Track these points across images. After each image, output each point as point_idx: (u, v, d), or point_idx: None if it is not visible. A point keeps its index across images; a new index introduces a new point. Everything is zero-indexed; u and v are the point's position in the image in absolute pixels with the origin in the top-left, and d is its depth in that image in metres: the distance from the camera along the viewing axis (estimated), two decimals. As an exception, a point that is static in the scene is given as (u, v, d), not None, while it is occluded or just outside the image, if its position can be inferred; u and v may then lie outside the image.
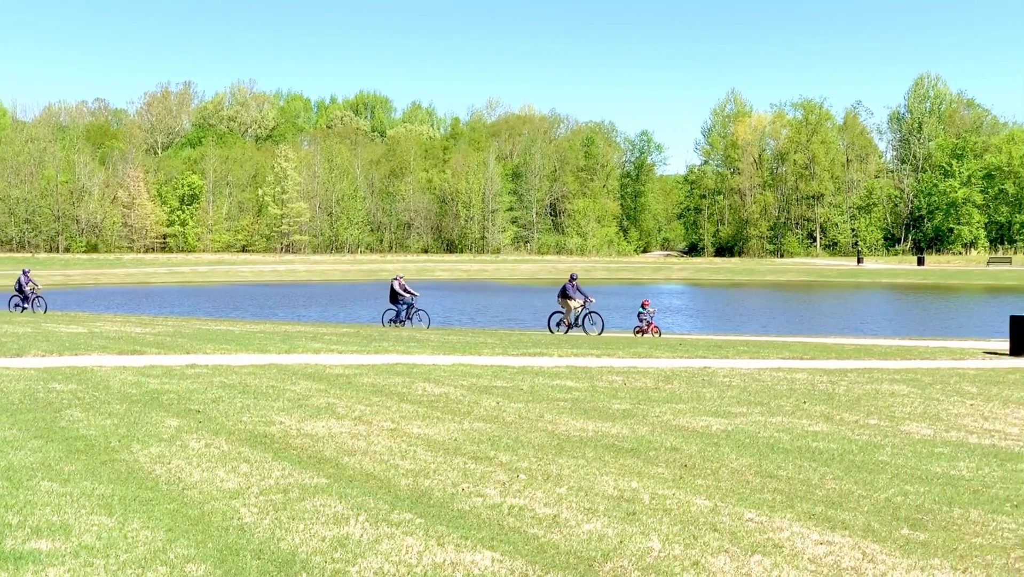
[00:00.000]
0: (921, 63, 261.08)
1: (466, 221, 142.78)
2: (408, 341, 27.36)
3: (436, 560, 7.95)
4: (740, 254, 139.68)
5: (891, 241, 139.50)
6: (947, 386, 20.10)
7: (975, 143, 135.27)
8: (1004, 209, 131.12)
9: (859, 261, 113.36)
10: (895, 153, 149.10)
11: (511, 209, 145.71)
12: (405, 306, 37.73)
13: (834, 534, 9.02)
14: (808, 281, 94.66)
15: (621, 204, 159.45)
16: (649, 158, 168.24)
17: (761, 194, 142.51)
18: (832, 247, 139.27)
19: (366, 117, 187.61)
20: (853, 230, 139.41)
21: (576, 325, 35.26)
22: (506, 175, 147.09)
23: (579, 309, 35.38)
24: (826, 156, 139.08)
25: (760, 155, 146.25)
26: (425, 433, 13.41)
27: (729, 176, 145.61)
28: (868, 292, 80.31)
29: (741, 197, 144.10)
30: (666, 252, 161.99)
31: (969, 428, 15.36)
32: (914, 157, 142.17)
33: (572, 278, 35.84)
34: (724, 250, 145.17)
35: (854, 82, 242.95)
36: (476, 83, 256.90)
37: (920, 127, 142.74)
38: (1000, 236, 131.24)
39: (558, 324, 35.67)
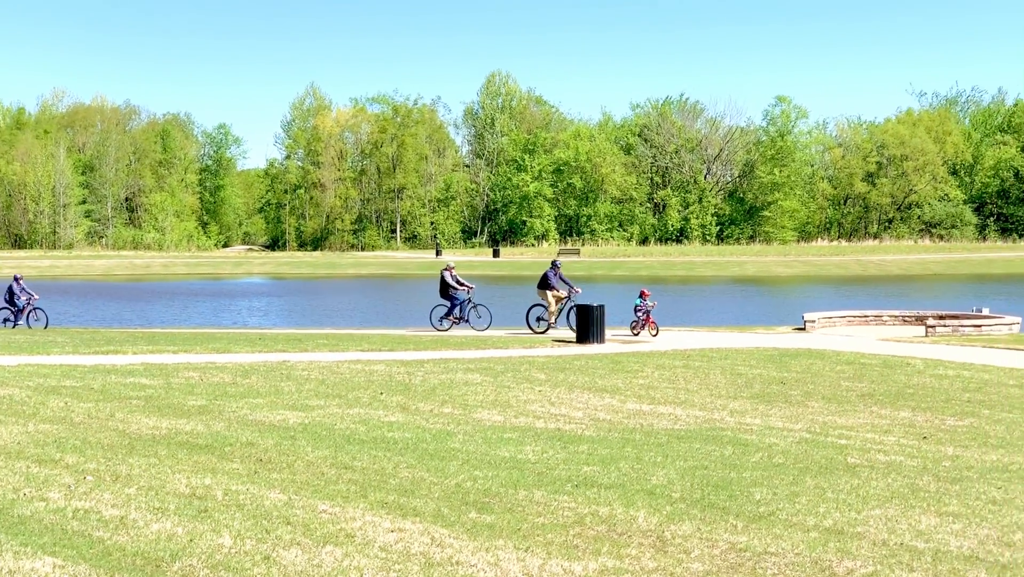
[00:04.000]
0: (493, 61, 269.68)
1: (35, 215, 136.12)
2: (-30, 342, 25.85)
3: (-8, 571, 7.56)
4: (324, 248, 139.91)
5: (469, 234, 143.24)
6: (518, 374, 20.86)
7: (545, 139, 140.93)
8: (572, 202, 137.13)
9: (438, 253, 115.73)
10: (471, 148, 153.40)
11: (84, 203, 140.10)
12: (459, 301, 32.85)
13: (405, 521, 9.20)
14: (389, 274, 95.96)
15: (200, 198, 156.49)
16: (228, 152, 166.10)
17: (344, 188, 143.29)
18: (413, 240, 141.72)
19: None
20: (432, 223, 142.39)
21: (554, 325, 31.19)
22: (78, 167, 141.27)
23: (564, 302, 31.23)
24: (410, 151, 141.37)
25: (343, 149, 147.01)
26: (-15, 438, 12.71)
27: (311, 170, 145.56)
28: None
29: (323, 191, 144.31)
30: (248, 246, 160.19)
31: (537, 413, 16.01)
32: (488, 152, 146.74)
33: (555, 265, 31.75)
34: (308, 244, 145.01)
35: (433, 78, 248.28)
36: (43, 72, 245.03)
37: (493, 123, 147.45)
38: (569, 228, 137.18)
39: (538, 320, 31.33)
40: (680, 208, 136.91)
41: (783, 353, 25.48)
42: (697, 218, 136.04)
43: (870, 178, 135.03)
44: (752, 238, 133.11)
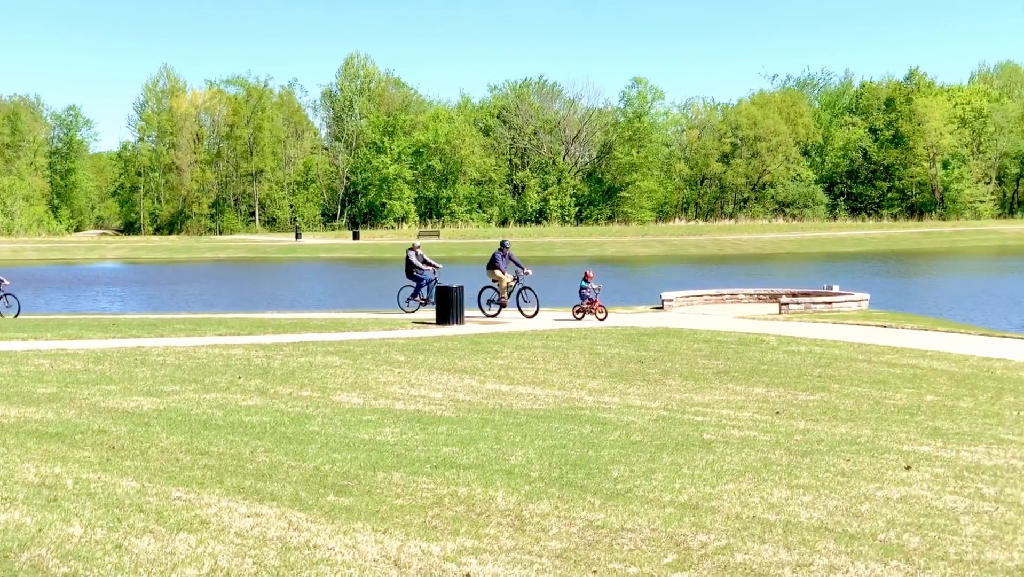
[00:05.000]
0: (350, 43, 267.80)
1: None
2: None
3: None
4: (181, 232, 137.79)
5: (329, 217, 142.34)
6: (378, 356, 20.78)
7: (404, 121, 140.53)
8: (432, 184, 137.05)
9: (297, 237, 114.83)
10: (329, 130, 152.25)
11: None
12: (426, 282, 31.28)
13: (262, 506, 9.11)
14: (248, 257, 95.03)
15: (51, 182, 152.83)
16: (79, 134, 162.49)
17: (201, 171, 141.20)
18: (272, 223, 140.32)
19: None
20: (292, 206, 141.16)
21: (504, 306, 30.24)
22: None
23: (513, 284, 30.23)
24: (266, 133, 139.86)
25: (199, 132, 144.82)
26: None
27: (166, 153, 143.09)
28: (306, 266, 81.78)
29: (179, 174, 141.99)
30: (101, 231, 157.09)
31: (396, 395, 15.97)
32: (347, 134, 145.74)
33: (503, 246, 30.64)
34: (164, 228, 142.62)
35: (290, 60, 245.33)
36: None
37: (351, 105, 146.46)
38: (429, 210, 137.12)
39: (489, 302, 30.31)
40: (539, 189, 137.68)
41: (641, 332, 25.77)
42: (556, 199, 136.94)
43: (725, 159, 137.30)
44: (611, 219, 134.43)
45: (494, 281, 30.38)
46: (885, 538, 8.64)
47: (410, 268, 31.64)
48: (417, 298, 31.72)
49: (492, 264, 30.36)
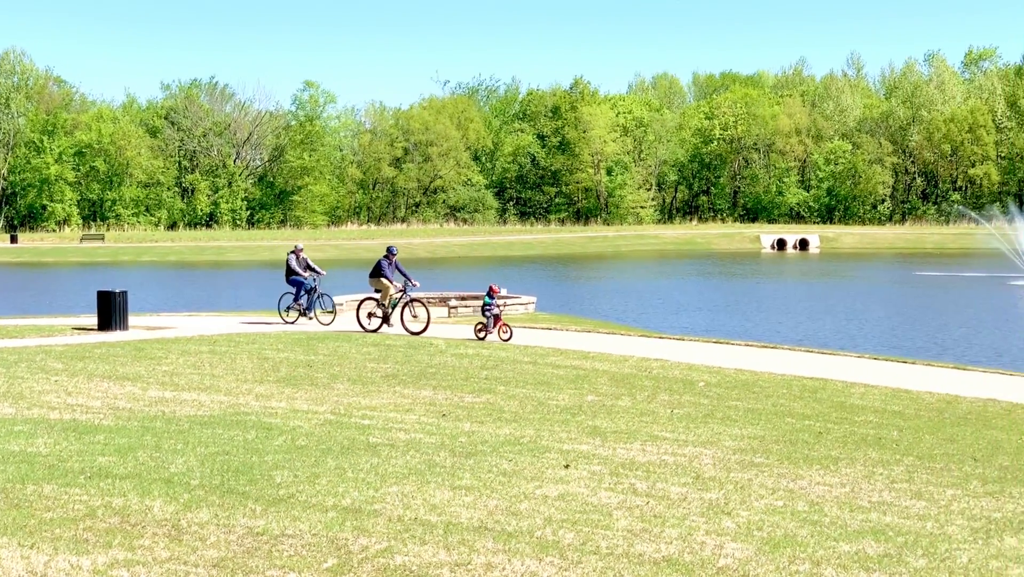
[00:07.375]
0: (6, 38, 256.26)
1: None
2: None
3: None
4: None
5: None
6: (33, 364, 19.90)
7: (66, 120, 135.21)
8: (96, 186, 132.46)
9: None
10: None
11: None
12: (306, 289, 28.81)
13: None
14: None
15: None
16: None
17: None
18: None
19: None
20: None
21: (387, 321, 27.04)
22: None
23: (397, 295, 27.14)
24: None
25: None
26: None
27: None
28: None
29: None
30: None
31: (52, 404, 15.34)
32: (4, 133, 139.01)
33: (390, 252, 27.26)
34: None
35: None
36: None
37: (8, 103, 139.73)
38: (93, 213, 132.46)
39: (369, 316, 27.11)
40: (210, 192, 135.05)
41: (311, 336, 25.62)
42: (227, 202, 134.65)
43: (398, 163, 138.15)
44: (283, 222, 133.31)
45: (378, 291, 27.58)
46: (541, 535, 8.85)
47: (289, 273, 29.58)
48: (296, 305, 29.46)
49: (377, 272, 27.41)
